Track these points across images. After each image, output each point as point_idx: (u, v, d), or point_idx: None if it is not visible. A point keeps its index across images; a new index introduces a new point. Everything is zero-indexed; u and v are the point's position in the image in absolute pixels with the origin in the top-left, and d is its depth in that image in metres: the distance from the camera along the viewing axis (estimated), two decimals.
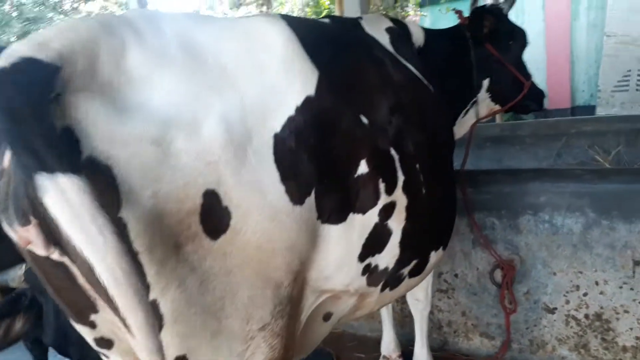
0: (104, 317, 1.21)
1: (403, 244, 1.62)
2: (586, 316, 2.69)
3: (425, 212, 1.72)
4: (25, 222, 0.94)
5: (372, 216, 1.48)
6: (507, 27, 2.77)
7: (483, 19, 2.65)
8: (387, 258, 1.60)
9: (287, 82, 1.26)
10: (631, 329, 2.57)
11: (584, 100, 11.17)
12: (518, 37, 2.81)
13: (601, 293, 2.62)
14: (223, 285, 1.14)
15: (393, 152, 1.56)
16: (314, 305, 1.49)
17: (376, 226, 1.50)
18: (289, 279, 1.26)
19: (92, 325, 1.25)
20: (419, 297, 2.65)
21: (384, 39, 2.07)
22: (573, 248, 2.66)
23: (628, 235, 2.51)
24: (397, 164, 1.57)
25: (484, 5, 3.02)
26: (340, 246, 1.41)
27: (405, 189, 1.59)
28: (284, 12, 13.35)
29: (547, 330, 2.82)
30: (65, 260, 1.04)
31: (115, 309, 0.96)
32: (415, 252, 1.76)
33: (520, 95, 2.73)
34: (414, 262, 1.77)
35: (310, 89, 1.30)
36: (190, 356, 1.15)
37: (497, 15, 2.73)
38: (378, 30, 2.11)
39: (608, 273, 2.59)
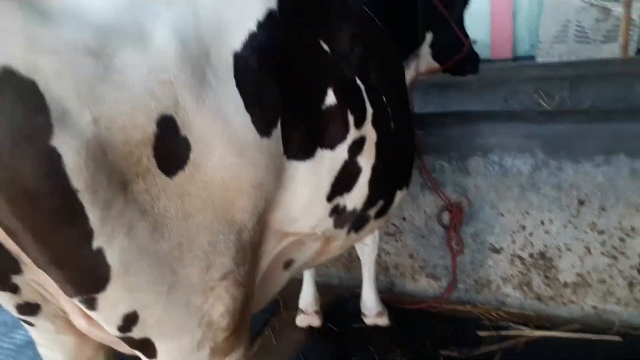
0: (28, 279, 1.04)
1: (372, 183, 1.51)
2: (530, 255, 2.73)
3: (393, 149, 1.63)
4: None
5: (341, 152, 1.35)
6: None
7: None
8: (355, 198, 1.48)
9: None
10: (572, 265, 2.63)
11: (524, 51, 11.39)
12: None
13: (546, 232, 2.65)
14: (180, 231, 0.97)
15: (359, 82, 1.43)
16: (275, 250, 1.35)
17: (346, 163, 1.37)
18: (253, 221, 1.11)
19: (14, 290, 1.07)
20: (366, 240, 2.58)
21: None
22: (521, 189, 2.66)
23: (574, 175, 2.52)
24: (365, 95, 1.44)
25: None
26: (308, 185, 1.27)
27: (375, 122, 1.47)
28: None
29: (493, 270, 2.85)
30: None
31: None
32: (383, 191, 1.66)
33: (459, 54, 2.67)
34: (380, 203, 1.68)
35: (272, 2, 1.13)
36: (141, 312, 0.99)
37: None
38: None
39: (554, 213, 2.61)
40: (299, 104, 1.19)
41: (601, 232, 2.53)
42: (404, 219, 3.02)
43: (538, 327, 2.63)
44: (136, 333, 1.02)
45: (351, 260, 3.22)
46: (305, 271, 2.89)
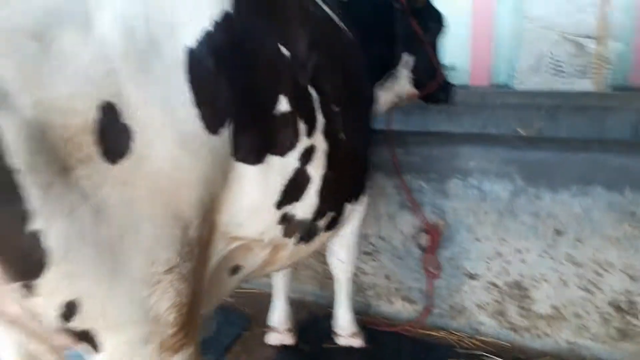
0: None
1: (322, 193, 1.52)
2: (506, 283, 2.72)
3: (344, 161, 1.64)
4: None
5: (291, 160, 1.37)
6: (430, 8, 2.77)
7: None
8: (304, 207, 1.49)
9: None
10: (548, 297, 2.62)
11: (501, 80, 11.64)
12: (438, 20, 2.82)
13: (522, 261, 2.65)
14: (123, 219, 0.97)
15: (312, 90, 1.44)
16: (223, 252, 1.34)
17: (296, 171, 1.39)
18: (199, 218, 1.11)
19: None
20: (341, 257, 2.53)
21: None
22: (499, 215, 2.66)
23: (552, 204, 2.53)
24: (317, 105, 1.45)
25: None
26: (255, 190, 1.27)
27: (326, 132, 1.49)
28: None
29: (468, 297, 2.83)
30: None
31: None
32: (333, 202, 1.67)
33: (434, 81, 2.74)
34: (330, 214, 1.68)
35: (227, 4, 1.15)
36: (83, 301, 0.96)
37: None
38: None
39: (530, 241, 2.61)
40: (251, 108, 1.21)
41: (577, 265, 2.53)
42: (381, 238, 2.99)
43: (512, 359, 2.60)
44: (77, 324, 0.98)
45: (326, 277, 3.16)
46: (277, 287, 2.82)
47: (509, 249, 2.67)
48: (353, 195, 1.88)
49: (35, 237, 0.86)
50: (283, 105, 1.31)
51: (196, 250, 1.14)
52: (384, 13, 2.56)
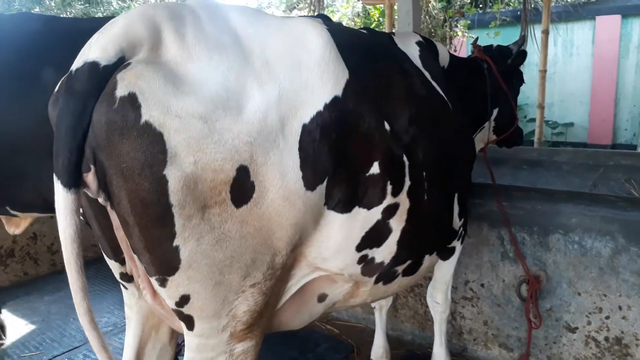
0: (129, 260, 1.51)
1: (400, 243, 1.76)
2: (606, 339, 2.77)
3: (424, 218, 1.86)
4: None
5: (375, 213, 1.63)
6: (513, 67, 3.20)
7: (512, 58, 3.10)
8: (384, 253, 1.75)
9: (320, 81, 1.42)
10: None
11: (625, 139, 11.06)
12: (519, 77, 3.32)
13: (623, 318, 2.70)
14: (235, 247, 1.33)
15: (405, 158, 1.70)
16: (306, 278, 1.65)
17: (378, 222, 1.65)
18: (287, 249, 1.44)
19: (122, 262, 1.58)
20: (438, 299, 2.77)
21: (414, 52, 2.26)
22: (600, 271, 2.75)
23: None
24: (407, 170, 1.71)
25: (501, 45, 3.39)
26: (341, 233, 1.57)
27: (410, 193, 1.73)
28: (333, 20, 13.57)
29: (566, 349, 2.90)
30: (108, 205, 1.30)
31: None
32: (411, 252, 1.89)
33: (512, 128, 3.17)
34: (408, 262, 1.90)
35: (338, 89, 1.46)
36: (192, 296, 1.36)
37: (510, 54, 3.15)
38: (409, 45, 2.29)
39: (632, 299, 2.66)
40: (346, 169, 1.51)
41: None
42: (482, 285, 3.18)
43: None
44: (186, 310, 1.39)
45: (426, 319, 3.39)
46: (377, 322, 3.13)
47: (610, 304, 2.73)
48: (433, 247, 2.08)
49: (176, 249, 1.26)
50: (375, 169, 1.57)
51: (278, 272, 1.46)
52: (477, 74, 2.95)
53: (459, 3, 10.92)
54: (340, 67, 1.48)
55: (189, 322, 1.43)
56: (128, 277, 1.62)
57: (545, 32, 7.53)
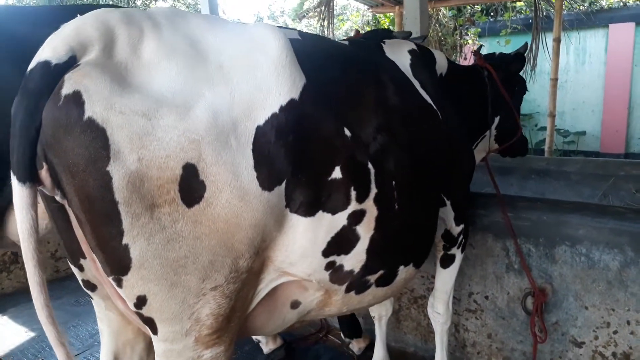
0: (89, 264, 1.47)
1: (370, 251, 1.72)
2: (614, 354, 2.68)
3: (396, 227, 1.81)
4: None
5: (340, 218, 1.61)
6: (516, 74, 3.15)
7: (510, 64, 3.05)
8: (353, 261, 1.71)
9: (276, 83, 1.42)
10: None
11: (638, 148, 10.89)
12: (522, 85, 3.23)
13: (632, 333, 2.61)
14: (189, 247, 1.32)
15: (370, 165, 1.68)
16: (274, 282, 1.62)
17: (344, 228, 1.63)
18: (250, 252, 1.42)
19: (81, 269, 1.56)
20: (439, 310, 2.72)
21: (404, 61, 2.23)
22: (608, 284, 2.67)
23: None
24: (372, 177, 1.68)
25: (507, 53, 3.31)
26: (306, 237, 1.54)
27: (378, 201, 1.70)
28: (343, 29, 13.60)
29: None
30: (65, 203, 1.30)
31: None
32: (383, 262, 1.84)
33: (515, 138, 3.07)
34: (380, 272, 1.86)
35: (295, 93, 1.45)
36: (149, 297, 1.35)
37: (514, 61, 3.11)
38: (399, 53, 2.27)
39: None
40: (307, 172, 1.50)
41: None
42: (486, 297, 3.10)
43: None
44: (145, 312, 1.37)
45: (429, 331, 3.32)
46: (377, 333, 3.08)
47: (619, 319, 2.65)
48: (409, 259, 2.01)
49: (126, 248, 1.25)
50: (337, 173, 1.56)
51: (244, 276, 1.44)
52: (477, 82, 2.88)
53: (469, 11, 10.86)
54: (297, 71, 1.48)
55: (152, 326, 1.41)
56: (91, 285, 1.60)
57: (557, 40, 7.44)
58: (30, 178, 1.22)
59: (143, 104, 1.22)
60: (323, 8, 8.83)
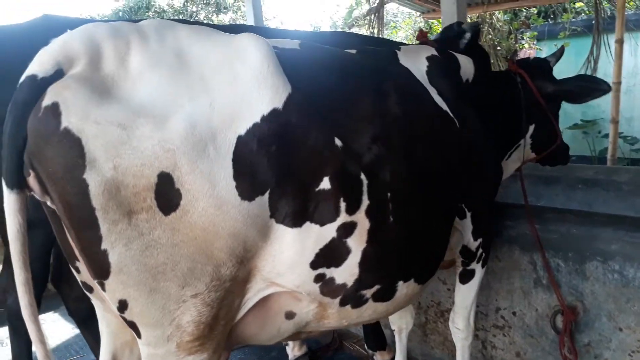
0: (83, 266, 1.49)
1: (363, 265, 1.66)
2: None
3: (392, 241, 1.74)
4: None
5: (329, 230, 1.57)
6: (551, 75, 2.85)
7: (546, 68, 2.81)
8: (344, 274, 1.66)
9: (257, 93, 1.42)
10: None
11: None
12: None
13: None
14: (167, 254, 1.34)
15: (363, 176, 1.62)
16: (263, 292, 1.60)
17: (333, 241, 1.58)
18: (232, 261, 1.42)
19: (77, 270, 1.58)
20: (459, 325, 2.62)
21: (421, 67, 2.13)
22: None
23: None
24: (364, 189, 1.62)
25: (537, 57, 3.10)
26: (293, 248, 1.52)
27: (370, 213, 1.63)
28: (397, 38, 13.45)
29: None
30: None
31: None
32: (378, 277, 1.76)
33: (553, 146, 2.82)
34: (377, 287, 1.78)
35: (278, 102, 1.44)
36: (130, 302, 1.38)
37: (548, 66, 2.85)
38: (417, 60, 2.17)
39: None
40: (293, 183, 1.47)
41: None
42: (514, 313, 2.96)
43: None
44: (127, 316, 1.41)
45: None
46: (397, 346, 3.03)
47: None
48: (409, 274, 1.90)
49: (105, 253, 1.29)
50: (325, 184, 1.52)
51: (227, 284, 1.44)
52: (510, 88, 2.68)
53: (524, 14, 10.47)
54: (281, 80, 1.46)
55: (135, 329, 1.44)
56: (88, 287, 1.64)
57: (620, 42, 6.99)
58: (18, 185, 1.28)
59: (120, 114, 1.25)
60: (372, 16, 8.79)
